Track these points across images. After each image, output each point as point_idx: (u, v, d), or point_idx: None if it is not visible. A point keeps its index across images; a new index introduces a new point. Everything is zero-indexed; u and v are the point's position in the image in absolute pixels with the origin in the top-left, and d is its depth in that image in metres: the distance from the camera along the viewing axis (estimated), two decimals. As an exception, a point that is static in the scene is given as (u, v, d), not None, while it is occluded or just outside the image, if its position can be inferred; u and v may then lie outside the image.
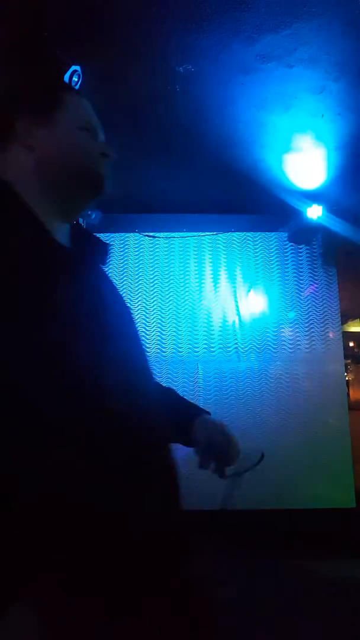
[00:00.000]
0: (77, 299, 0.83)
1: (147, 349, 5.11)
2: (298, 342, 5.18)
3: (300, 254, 5.39)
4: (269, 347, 5.17)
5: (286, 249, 5.40)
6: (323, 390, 5.05)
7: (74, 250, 1.04)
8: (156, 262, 5.37)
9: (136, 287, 5.30)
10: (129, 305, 1.17)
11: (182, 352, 5.15)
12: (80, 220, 5.26)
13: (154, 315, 5.23)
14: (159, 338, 5.18)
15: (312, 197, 4.69)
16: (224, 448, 1.22)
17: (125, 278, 5.32)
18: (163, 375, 5.09)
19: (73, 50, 2.87)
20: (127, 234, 5.41)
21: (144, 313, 5.24)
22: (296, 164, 4.23)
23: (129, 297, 5.27)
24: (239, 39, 2.77)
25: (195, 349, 5.16)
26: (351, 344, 10.84)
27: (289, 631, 2.77)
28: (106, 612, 0.74)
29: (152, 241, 5.42)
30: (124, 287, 5.30)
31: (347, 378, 9.58)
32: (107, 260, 1.16)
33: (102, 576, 0.75)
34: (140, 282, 5.31)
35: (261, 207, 5.15)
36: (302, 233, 5.02)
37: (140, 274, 5.33)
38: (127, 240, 5.41)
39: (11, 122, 0.98)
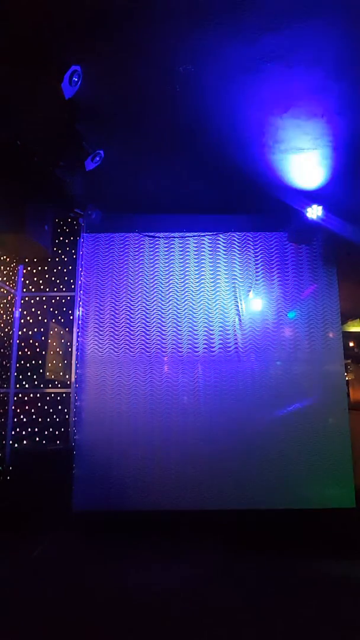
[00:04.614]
0: None
1: (148, 349, 5.13)
2: (298, 342, 5.18)
3: (300, 254, 5.39)
4: (269, 347, 5.17)
5: (286, 249, 5.40)
6: (323, 390, 5.05)
7: None
8: (156, 262, 5.37)
9: (136, 287, 5.30)
10: None
11: (182, 352, 5.15)
12: (81, 221, 5.29)
13: (154, 315, 5.23)
14: (159, 338, 5.18)
15: (312, 197, 4.69)
16: None
17: (125, 278, 5.32)
18: (163, 375, 5.09)
19: (73, 50, 2.87)
20: (127, 234, 5.42)
21: (144, 313, 5.24)
22: (296, 164, 4.23)
23: (129, 296, 5.28)
24: (239, 39, 2.77)
25: (195, 349, 5.16)
26: (351, 344, 10.83)
27: (289, 630, 2.77)
28: None
29: (152, 241, 5.42)
30: (124, 286, 5.30)
31: (347, 378, 9.58)
32: None
33: None
34: (140, 282, 5.31)
35: (261, 207, 5.15)
36: (303, 233, 5.01)
37: (140, 274, 5.33)
38: (127, 240, 5.41)
39: None
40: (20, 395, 5.00)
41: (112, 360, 5.13)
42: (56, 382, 5.06)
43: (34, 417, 4.94)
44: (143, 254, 5.38)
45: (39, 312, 5.21)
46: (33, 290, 5.27)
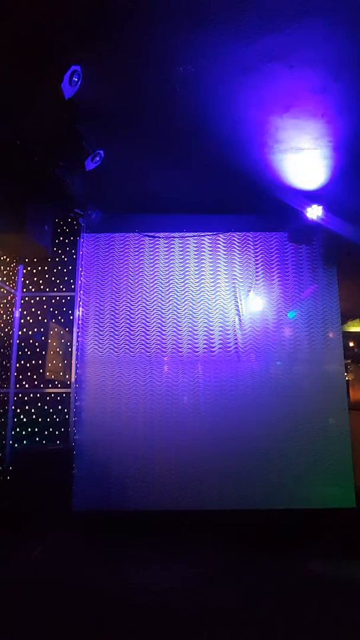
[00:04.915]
0: None
1: (148, 349, 5.13)
2: (298, 342, 5.18)
3: (300, 254, 5.39)
4: (269, 347, 5.17)
5: (286, 249, 5.40)
6: (323, 390, 5.05)
7: None
8: (156, 262, 5.37)
9: (136, 287, 5.30)
10: None
11: (182, 352, 5.15)
12: (81, 221, 5.29)
13: (154, 315, 5.23)
14: (159, 338, 5.18)
15: (312, 197, 4.69)
16: None
17: (125, 278, 5.32)
18: (163, 375, 5.09)
19: (73, 50, 2.87)
20: (127, 234, 5.41)
21: (144, 313, 5.24)
22: (296, 164, 4.23)
23: (129, 296, 5.28)
24: (240, 39, 2.76)
25: (195, 349, 5.16)
26: (351, 344, 10.83)
27: (289, 630, 2.77)
28: None
29: (152, 241, 5.42)
30: (124, 286, 5.30)
31: (347, 378, 9.57)
32: None
33: None
34: (140, 282, 5.31)
35: (261, 207, 5.15)
36: (303, 233, 5.01)
37: (140, 274, 5.33)
38: (127, 240, 5.41)
39: None
40: (20, 395, 5.00)
41: (112, 360, 5.13)
42: (56, 382, 5.06)
43: (34, 417, 4.94)
44: (143, 254, 5.37)
45: (39, 312, 5.21)
46: (33, 290, 5.27)
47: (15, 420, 4.92)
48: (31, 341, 5.14)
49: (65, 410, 4.97)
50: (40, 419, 4.93)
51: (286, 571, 3.61)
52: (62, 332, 5.19)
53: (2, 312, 4.95)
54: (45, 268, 5.31)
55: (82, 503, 4.74)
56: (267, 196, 4.79)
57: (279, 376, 5.09)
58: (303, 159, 4.15)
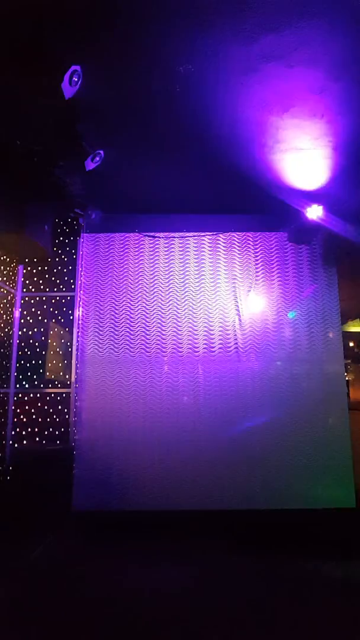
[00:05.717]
0: None
1: (148, 349, 5.12)
2: (298, 342, 5.18)
3: (300, 254, 5.39)
4: (269, 347, 5.17)
5: (286, 249, 5.40)
6: (323, 391, 5.05)
7: None
8: (156, 262, 5.37)
9: (136, 287, 5.30)
10: None
11: (182, 352, 5.15)
12: (81, 221, 5.29)
13: (154, 315, 5.23)
14: (159, 338, 5.18)
15: (312, 197, 4.69)
16: None
17: (125, 278, 5.32)
18: (163, 375, 5.09)
19: (73, 50, 2.87)
20: (127, 234, 5.42)
21: (144, 313, 5.24)
22: (296, 164, 4.23)
23: (129, 296, 5.28)
24: (239, 39, 2.77)
25: (195, 349, 5.16)
26: (351, 344, 10.82)
27: (290, 630, 2.77)
28: None
29: (152, 241, 5.42)
30: (124, 286, 5.30)
31: (347, 378, 9.56)
32: None
33: None
34: (140, 282, 5.31)
35: (261, 207, 5.15)
36: (303, 233, 5.01)
37: (140, 274, 5.33)
38: (127, 240, 5.41)
39: None
40: (20, 395, 5.00)
41: (112, 360, 5.13)
42: (56, 382, 5.06)
43: (34, 417, 4.94)
44: (143, 254, 5.37)
45: (39, 312, 5.21)
46: (33, 290, 5.27)
47: (15, 420, 4.93)
48: (31, 341, 5.14)
49: (65, 410, 4.97)
50: (40, 419, 4.93)
51: (287, 571, 3.61)
52: (62, 332, 5.19)
53: (2, 312, 4.95)
54: (45, 268, 5.31)
55: (82, 503, 4.74)
56: (267, 196, 4.79)
57: (279, 376, 5.09)
58: (303, 159, 4.15)
